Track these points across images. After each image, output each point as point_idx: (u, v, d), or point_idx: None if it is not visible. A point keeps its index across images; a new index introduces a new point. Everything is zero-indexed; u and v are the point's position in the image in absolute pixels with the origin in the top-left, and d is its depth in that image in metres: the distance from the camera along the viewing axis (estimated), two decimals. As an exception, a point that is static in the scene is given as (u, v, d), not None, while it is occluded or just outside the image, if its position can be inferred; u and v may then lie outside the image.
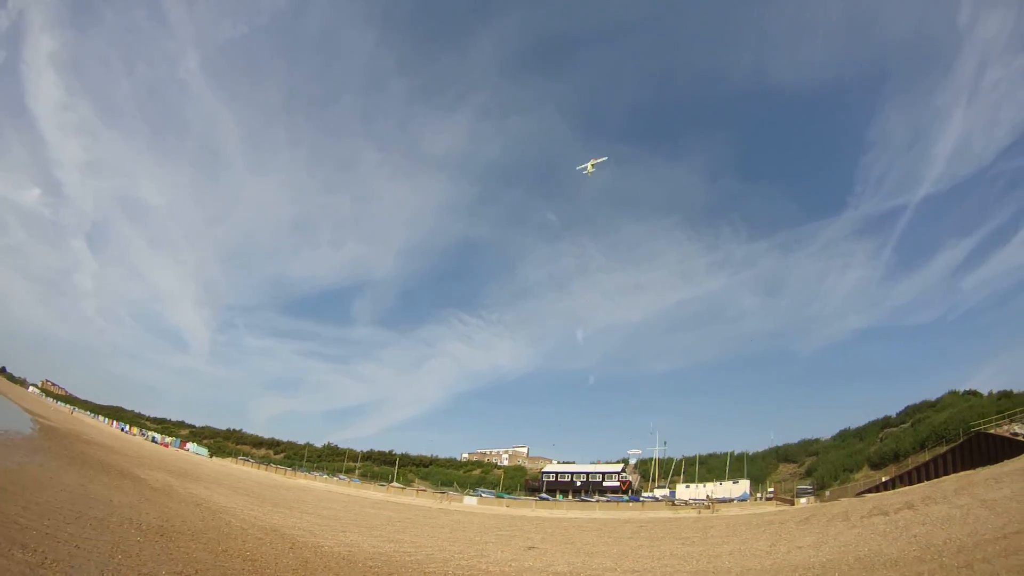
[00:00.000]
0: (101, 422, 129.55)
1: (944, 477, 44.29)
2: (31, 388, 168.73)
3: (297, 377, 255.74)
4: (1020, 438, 44.72)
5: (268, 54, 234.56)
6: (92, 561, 10.01)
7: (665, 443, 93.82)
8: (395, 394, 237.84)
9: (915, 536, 18.36)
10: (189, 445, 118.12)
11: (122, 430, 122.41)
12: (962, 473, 41.99)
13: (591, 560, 20.48)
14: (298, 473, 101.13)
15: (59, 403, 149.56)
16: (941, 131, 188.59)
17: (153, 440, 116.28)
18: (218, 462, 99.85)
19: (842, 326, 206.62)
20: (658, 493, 77.27)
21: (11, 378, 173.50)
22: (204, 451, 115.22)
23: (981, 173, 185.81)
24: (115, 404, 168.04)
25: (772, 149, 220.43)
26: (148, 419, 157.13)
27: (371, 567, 15.94)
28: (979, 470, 39.20)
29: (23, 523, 11.71)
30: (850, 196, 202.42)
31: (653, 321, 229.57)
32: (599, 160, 74.85)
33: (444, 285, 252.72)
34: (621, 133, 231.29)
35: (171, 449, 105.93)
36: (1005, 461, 38.27)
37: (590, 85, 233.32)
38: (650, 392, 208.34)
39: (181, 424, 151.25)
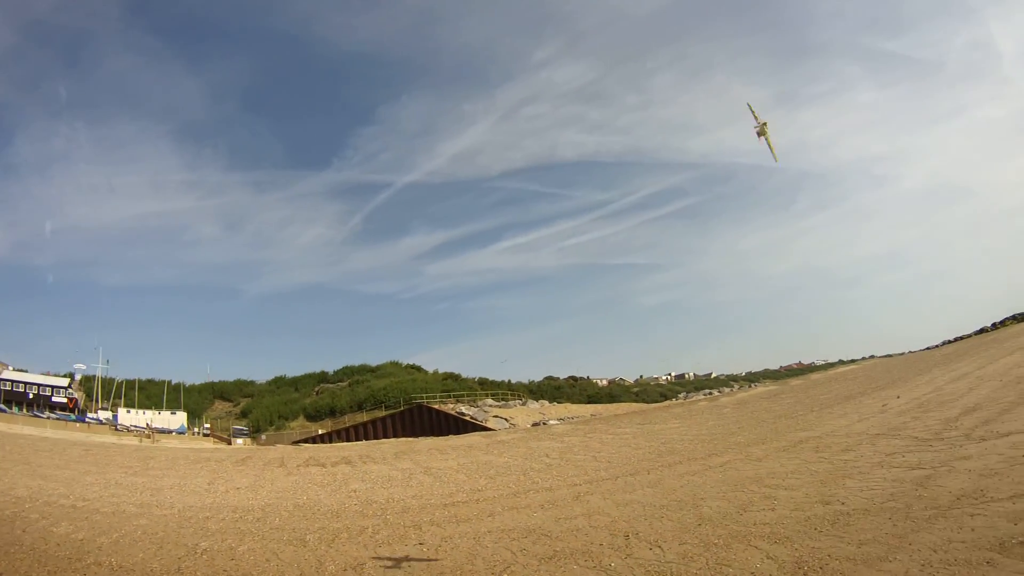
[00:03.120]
0: None
1: (384, 440, 46.45)
2: None
3: None
4: (467, 417, 50.11)
5: None
6: None
7: (108, 361, 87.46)
8: None
9: (355, 491, 18.45)
10: None
11: None
12: (403, 439, 44.61)
13: (46, 484, 19.92)
14: None
15: None
16: (459, 133, 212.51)
17: None
18: None
19: (294, 276, 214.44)
20: (101, 415, 74.48)
21: None
22: None
23: (481, 182, 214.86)
24: None
25: (281, 89, 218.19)
26: None
27: None
28: (421, 439, 41.61)
29: None
30: (336, 158, 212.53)
31: (117, 228, 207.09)
32: None
33: None
34: (157, 24, 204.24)
35: None
36: (450, 436, 41.01)
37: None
38: (100, 305, 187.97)
39: None
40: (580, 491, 14.74)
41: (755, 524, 9.78)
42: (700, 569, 7.97)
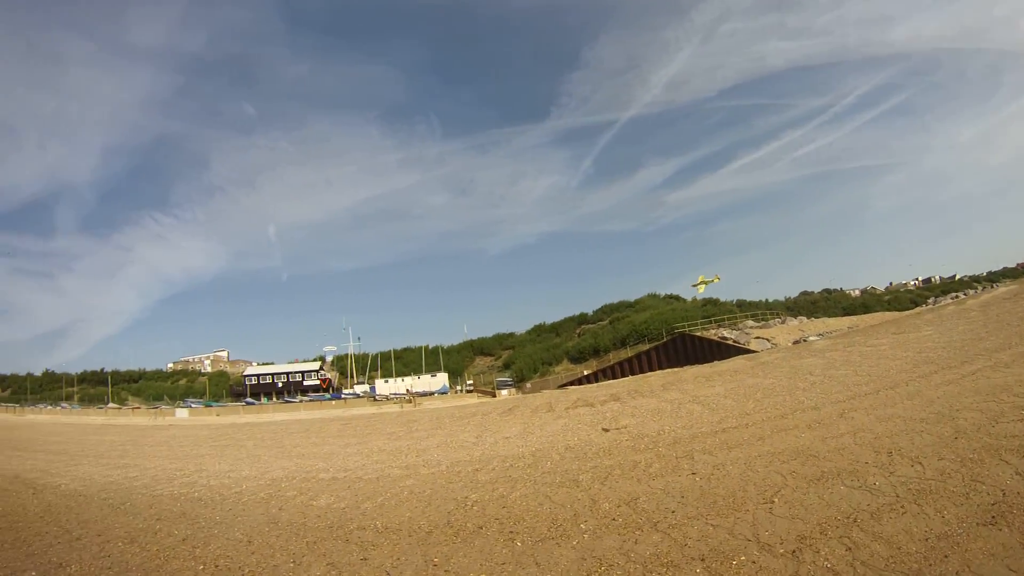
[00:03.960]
0: None
1: (649, 373, 45.38)
2: None
3: (7, 300, 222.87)
4: (730, 341, 48.13)
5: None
6: None
7: (359, 339, 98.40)
8: (100, 305, 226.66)
9: (625, 427, 17.77)
10: None
11: None
12: (669, 370, 43.37)
13: (303, 462, 20.28)
14: (26, 409, 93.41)
15: None
16: (666, 62, 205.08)
17: None
18: None
19: (532, 228, 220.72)
20: (358, 389, 78.58)
21: None
22: None
23: (698, 105, 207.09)
24: None
25: (475, 53, 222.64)
26: None
27: (105, 499, 15.79)
28: (686, 368, 40.21)
29: None
30: (554, 107, 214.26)
31: (342, 217, 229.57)
32: (709, 280, 70.19)
33: (141, 185, 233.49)
34: (324, 26, 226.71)
35: None
36: (715, 362, 39.24)
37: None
38: (340, 289, 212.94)
39: None
40: (844, 408, 14.29)
41: (1006, 436, 9.58)
42: (956, 486, 7.83)
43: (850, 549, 6.24)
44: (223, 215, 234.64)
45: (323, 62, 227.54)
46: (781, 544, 6.68)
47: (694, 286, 71.53)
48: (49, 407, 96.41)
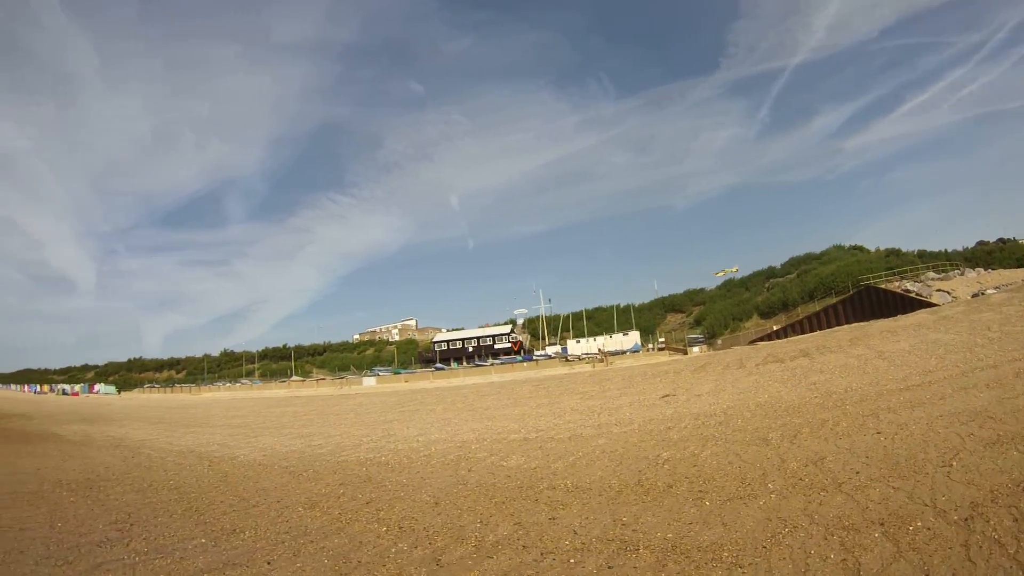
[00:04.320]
0: (12, 390, 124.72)
1: (836, 328, 44.64)
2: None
3: (182, 290, 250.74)
4: (913, 295, 45.88)
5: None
6: (37, 539, 9.55)
7: (550, 300, 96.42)
8: (278, 287, 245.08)
9: (814, 384, 17.90)
10: (97, 387, 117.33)
11: (35, 392, 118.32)
12: (855, 324, 42.54)
13: (494, 424, 20.53)
14: (203, 388, 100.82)
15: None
16: (822, 4, 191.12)
17: (64, 392, 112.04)
18: (126, 396, 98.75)
19: (715, 182, 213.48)
20: (550, 350, 77.84)
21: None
22: (112, 388, 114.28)
23: (862, 47, 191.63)
24: (22, 368, 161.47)
25: (636, 10, 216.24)
26: (55, 372, 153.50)
27: (286, 467, 15.87)
28: (872, 322, 39.39)
29: (-39, 525, 10.55)
30: (723, 58, 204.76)
31: (523, 183, 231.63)
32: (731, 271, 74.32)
33: (313, 169, 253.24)
34: (474, 2, 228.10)
35: (81, 396, 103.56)
36: (899, 316, 38.49)
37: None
38: (528, 253, 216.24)
39: (85, 368, 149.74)
40: (1020, 367, 14.09)
41: None
42: None
43: (1017, 520, 6.11)
44: (402, 190, 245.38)
45: (485, 36, 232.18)
46: (955, 511, 6.62)
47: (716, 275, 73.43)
48: (228, 384, 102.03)
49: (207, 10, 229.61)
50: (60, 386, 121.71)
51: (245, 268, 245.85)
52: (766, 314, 68.75)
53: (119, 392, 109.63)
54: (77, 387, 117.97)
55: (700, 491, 8.81)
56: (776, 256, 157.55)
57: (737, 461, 10.21)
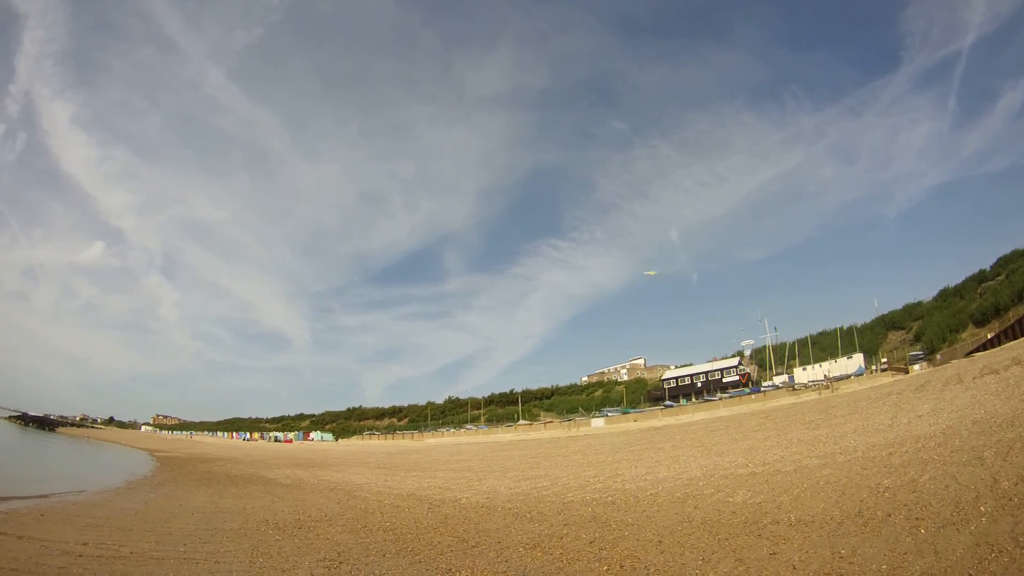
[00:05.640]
0: (220, 438, 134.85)
1: None
2: (143, 427, 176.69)
3: (402, 342, 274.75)
4: None
5: (291, 46, 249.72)
6: (234, 571, 10.22)
7: (776, 329, 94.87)
8: (503, 335, 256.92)
9: None
10: (313, 435, 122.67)
11: (243, 439, 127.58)
12: None
13: (722, 460, 20.54)
14: (425, 434, 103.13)
15: (174, 432, 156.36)
16: None
17: (276, 440, 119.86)
18: (344, 443, 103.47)
19: (922, 183, 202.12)
20: (777, 380, 76.81)
21: (121, 424, 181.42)
22: (329, 436, 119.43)
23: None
24: (231, 416, 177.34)
25: (813, 14, 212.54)
26: (266, 421, 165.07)
27: (510, 509, 15.90)
28: None
29: (159, 556, 11.57)
30: (902, 51, 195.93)
31: (740, 208, 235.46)
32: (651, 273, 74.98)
33: (527, 218, 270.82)
34: (664, 29, 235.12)
35: (295, 443, 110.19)
36: None
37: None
38: (752, 279, 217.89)
39: (300, 417, 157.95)
40: None
41: None
42: None
43: None
44: (622, 229, 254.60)
45: (674, 64, 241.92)
46: None
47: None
48: (452, 430, 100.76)
49: (392, 76, 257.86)
50: (272, 433, 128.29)
51: (469, 318, 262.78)
52: (980, 322, 65.69)
53: (336, 439, 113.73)
54: (291, 435, 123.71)
55: (917, 519, 8.84)
56: (986, 257, 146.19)
57: (953, 484, 10.20)
